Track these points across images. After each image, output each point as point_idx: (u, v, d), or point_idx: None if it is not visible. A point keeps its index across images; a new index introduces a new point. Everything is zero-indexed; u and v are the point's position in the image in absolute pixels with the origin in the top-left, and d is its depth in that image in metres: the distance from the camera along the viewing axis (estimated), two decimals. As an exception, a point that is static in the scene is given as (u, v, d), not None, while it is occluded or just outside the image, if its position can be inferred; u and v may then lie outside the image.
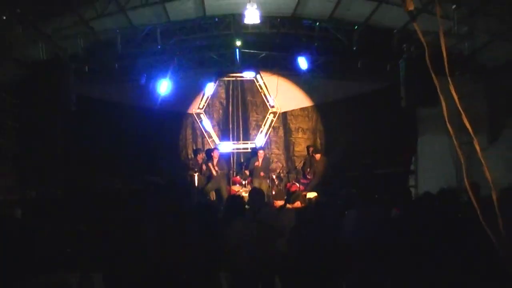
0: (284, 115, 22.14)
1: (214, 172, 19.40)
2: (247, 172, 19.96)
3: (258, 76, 21.48)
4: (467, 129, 3.58)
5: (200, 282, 7.22)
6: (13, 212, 14.46)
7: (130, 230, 7.63)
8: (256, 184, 19.07)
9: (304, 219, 9.98)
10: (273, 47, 20.55)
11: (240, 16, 17.73)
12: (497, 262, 4.08)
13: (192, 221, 7.67)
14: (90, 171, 19.46)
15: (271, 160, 21.26)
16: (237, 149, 21.69)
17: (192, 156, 21.06)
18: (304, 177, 20.51)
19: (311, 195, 13.38)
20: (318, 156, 19.96)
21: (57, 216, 10.58)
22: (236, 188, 19.64)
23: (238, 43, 19.86)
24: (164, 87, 19.87)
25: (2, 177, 15.01)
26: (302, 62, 20.26)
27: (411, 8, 3.87)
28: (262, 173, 19.57)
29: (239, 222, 9.40)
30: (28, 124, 15.95)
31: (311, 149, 20.73)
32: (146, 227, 7.57)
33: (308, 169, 20.46)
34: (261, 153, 20.04)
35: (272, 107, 21.74)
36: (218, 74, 21.23)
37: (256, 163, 19.78)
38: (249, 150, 21.50)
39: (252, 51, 20.56)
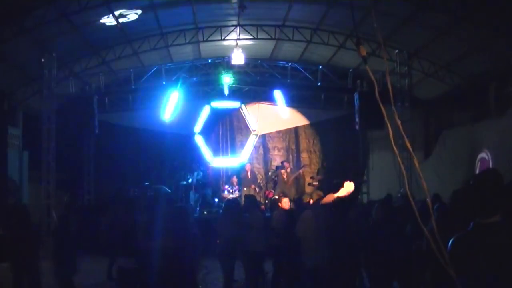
0: (263, 137, 22.10)
1: None
2: (235, 181, 19.78)
3: (242, 105, 21.44)
4: (407, 147, 3.65)
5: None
6: (50, 213, 14.48)
7: (144, 225, 7.74)
8: (244, 191, 18.85)
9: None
10: (255, 82, 20.65)
11: (229, 58, 17.86)
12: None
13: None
14: (111, 181, 19.55)
15: (256, 173, 21.15)
16: (226, 164, 21.55)
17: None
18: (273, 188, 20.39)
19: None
20: (282, 172, 19.72)
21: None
22: (225, 194, 19.47)
23: (227, 79, 19.91)
24: (168, 114, 19.84)
25: (43, 185, 14.99)
26: (278, 95, 20.38)
27: (364, 54, 3.94)
28: (253, 185, 19.35)
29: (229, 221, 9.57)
30: (63, 143, 15.96)
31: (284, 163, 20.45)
32: (156, 223, 7.68)
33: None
34: (248, 167, 19.88)
35: (254, 130, 21.68)
36: (211, 104, 21.17)
37: (243, 174, 19.62)
38: (236, 165, 21.29)
39: (238, 86, 20.64)
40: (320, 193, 9.09)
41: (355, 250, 8.05)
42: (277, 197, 15.63)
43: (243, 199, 15.77)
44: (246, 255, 9.70)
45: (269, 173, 21.00)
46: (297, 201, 10.81)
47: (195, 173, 19.24)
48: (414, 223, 3.15)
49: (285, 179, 19.03)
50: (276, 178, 19.87)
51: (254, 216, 9.96)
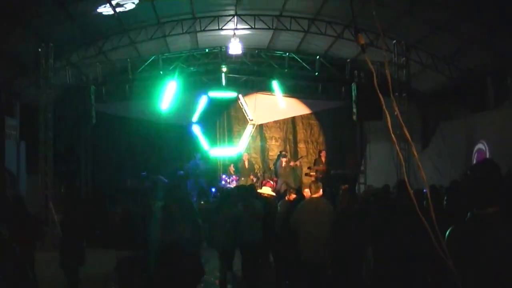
0: (261, 127, 22.10)
1: None
2: (232, 170, 19.77)
3: (240, 95, 21.41)
4: (406, 137, 3.63)
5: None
6: (47, 204, 14.53)
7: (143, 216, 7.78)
8: (242, 181, 18.86)
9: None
10: (252, 72, 20.59)
11: (226, 48, 17.80)
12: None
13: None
14: (108, 172, 19.59)
15: (253, 162, 21.14)
16: (223, 153, 21.54)
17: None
18: (276, 175, 20.37)
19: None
20: (284, 160, 19.68)
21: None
22: (222, 184, 19.46)
23: (224, 69, 19.82)
24: (165, 104, 19.75)
25: (41, 175, 15.03)
26: (275, 85, 20.33)
27: (362, 42, 3.91)
28: (251, 175, 19.35)
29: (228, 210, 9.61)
30: (60, 133, 16.00)
31: (283, 153, 20.40)
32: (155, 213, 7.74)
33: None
34: (245, 156, 19.90)
35: (251, 120, 21.64)
36: (208, 94, 21.10)
37: (240, 164, 19.65)
38: (233, 154, 21.28)
39: (235, 75, 20.59)
40: (319, 185, 9.02)
41: (355, 244, 8.05)
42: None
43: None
44: (243, 246, 9.72)
45: (278, 163, 20.92)
46: (297, 192, 10.81)
47: (191, 162, 19.29)
48: (412, 216, 3.13)
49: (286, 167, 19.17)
50: (277, 168, 19.89)
51: (251, 207, 9.94)
